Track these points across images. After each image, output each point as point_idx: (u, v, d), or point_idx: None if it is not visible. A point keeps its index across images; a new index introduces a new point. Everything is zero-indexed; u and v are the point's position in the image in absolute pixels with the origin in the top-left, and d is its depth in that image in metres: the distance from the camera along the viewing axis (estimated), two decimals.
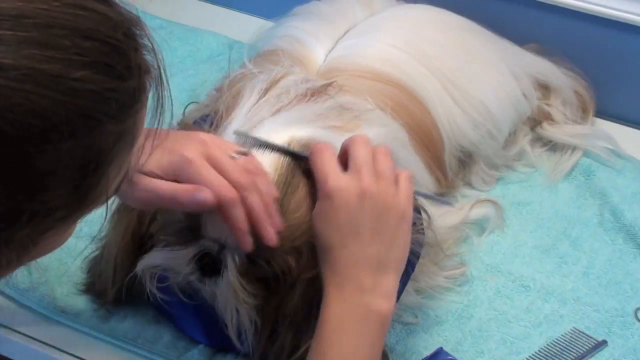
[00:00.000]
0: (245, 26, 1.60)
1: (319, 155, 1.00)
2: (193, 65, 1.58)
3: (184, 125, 1.12)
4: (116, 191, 0.78)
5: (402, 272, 1.01)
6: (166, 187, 0.96)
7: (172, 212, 1.03)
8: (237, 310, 1.01)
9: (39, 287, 1.16)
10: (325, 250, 0.98)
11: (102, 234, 1.12)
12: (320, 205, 0.98)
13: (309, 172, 1.01)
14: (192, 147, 0.98)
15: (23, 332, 1.13)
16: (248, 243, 0.98)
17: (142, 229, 1.07)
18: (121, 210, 1.09)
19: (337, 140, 1.04)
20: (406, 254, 1.00)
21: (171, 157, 0.97)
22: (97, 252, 1.14)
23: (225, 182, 0.96)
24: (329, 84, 1.13)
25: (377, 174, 0.99)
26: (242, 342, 1.03)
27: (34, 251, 0.73)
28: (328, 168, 0.99)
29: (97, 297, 1.14)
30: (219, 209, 0.96)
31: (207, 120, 1.09)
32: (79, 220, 0.76)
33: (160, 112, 0.79)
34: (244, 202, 0.96)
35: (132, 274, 1.05)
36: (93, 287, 1.15)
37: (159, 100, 0.78)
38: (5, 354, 1.15)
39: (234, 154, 0.99)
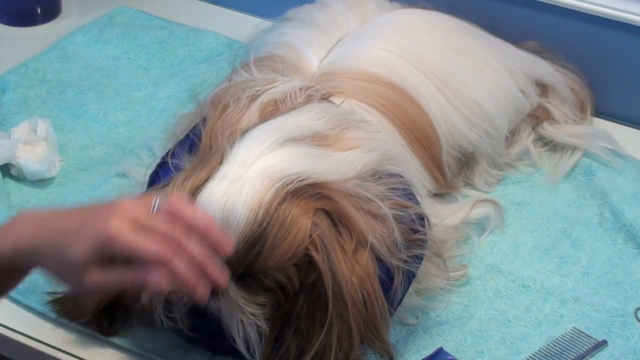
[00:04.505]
0: (245, 26, 1.60)
1: None
2: (193, 65, 1.58)
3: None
4: None
5: None
6: (113, 279, 0.90)
7: None
8: (243, 323, 1.01)
9: (39, 287, 1.16)
10: None
11: None
12: None
13: (295, 191, 1.00)
14: (113, 220, 0.90)
15: (23, 332, 1.13)
16: (202, 293, 0.90)
17: None
18: None
19: (321, 166, 1.04)
20: None
21: (98, 238, 0.90)
22: None
23: (155, 244, 0.89)
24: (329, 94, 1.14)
25: None
26: (251, 354, 1.03)
27: None
28: None
29: (67, 313, 1.12)
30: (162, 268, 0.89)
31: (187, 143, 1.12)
32: None
33: None
34: (183, 250, 0.90)
35: (139, 304, 1.05)
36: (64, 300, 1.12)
37: None
38: (5, 354, 1.15)
39: (152, 209, 0.92)
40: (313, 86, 1.17)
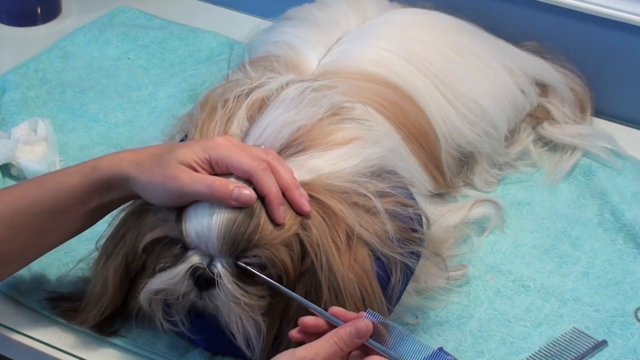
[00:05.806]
0: (245, 26, 1.60)
1: None
2: (193, 65, 1.58)
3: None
4: None
5: None
6: (205, 181, 1.01)
7: (169, 241, 1.04)
8: (241, 318, 1.01)
9: (39, 287, 1.16)
10: None
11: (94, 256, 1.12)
12: None
13: None
14: (222, 137, 1.05)
15: (23, 332, 1.13)
16: (281, 214, 1.01)
17: (137, 262, 1.08)
18: (117, 238, 1.08)
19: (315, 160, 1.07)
20: None
21: (205, 143, 1.03)
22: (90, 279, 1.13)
23: (255, 156, 1.02)
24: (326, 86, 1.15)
25: None
26: (251, 350, 1.03)
27: None
28: None
29: (66, 314, 1.13)
30: (252, 178, 1.01)
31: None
32: None
33: None
34: (276, 171, 1.02)
35: (137, 305, 1.06)
36: (66, 304, 1.14)
37: None
38: (5, 354, 1.15)
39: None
40: (302, 80, 1.17)
